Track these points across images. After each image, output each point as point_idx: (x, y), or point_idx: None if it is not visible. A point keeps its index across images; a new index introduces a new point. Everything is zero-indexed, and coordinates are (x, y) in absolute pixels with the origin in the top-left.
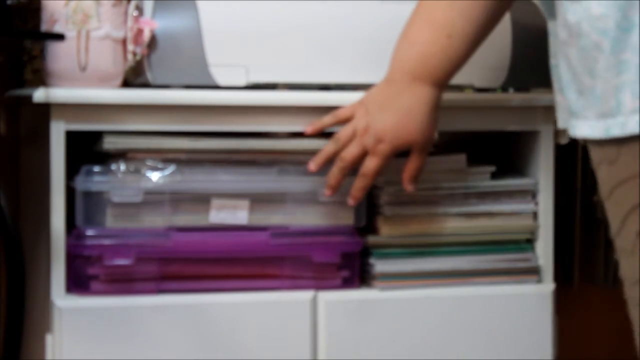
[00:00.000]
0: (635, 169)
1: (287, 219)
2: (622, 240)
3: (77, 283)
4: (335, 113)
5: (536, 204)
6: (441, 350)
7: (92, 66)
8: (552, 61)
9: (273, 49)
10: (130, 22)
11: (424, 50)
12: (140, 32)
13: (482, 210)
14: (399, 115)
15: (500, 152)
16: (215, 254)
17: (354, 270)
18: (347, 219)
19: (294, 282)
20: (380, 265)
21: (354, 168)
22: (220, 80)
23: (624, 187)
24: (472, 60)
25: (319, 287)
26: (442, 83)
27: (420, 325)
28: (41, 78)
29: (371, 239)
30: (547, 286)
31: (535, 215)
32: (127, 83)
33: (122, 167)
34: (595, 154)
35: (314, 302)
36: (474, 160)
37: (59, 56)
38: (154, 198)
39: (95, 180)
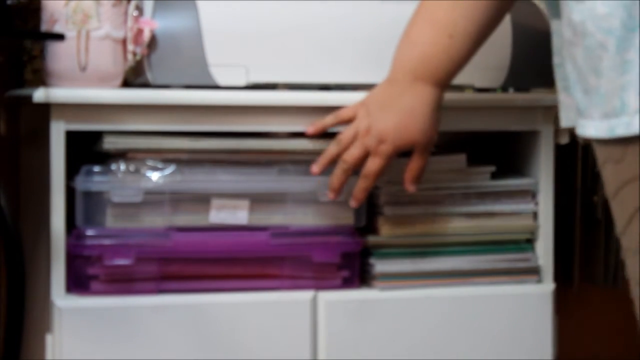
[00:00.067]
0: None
1: (287, 219)
2: (628, 240)
3: (77, 283)
4: (337, 113)
5: (536, 204)
6: (441, 350)
7: (92, 66)
8: (556, 60)
9: (273, 49)
10: (130, 22)
11: (425, 51)
12: (140, 32)
13: (482, 210)
14: (400, 116)
15: (500, 152)
16: (215, 254)
17: (354, 270)
18: (347, 219)
19: (294, 282)
20: (380, 265)
21: (356, 169)
22: (220, 80)
23: (629, 187)
24: (472, 61)
25: (319, 287)
26: (444, 83)
27: (420, 325)
28: (41, 78)
29: (371, 239)
30: (547, 286)
31: (535, 215)
32: (127, 83)
33: (122, 167)
34: (600, 154)
35: (314, 302)
36: (474, 160)
37: (59, 56)
38: (154, 198)
39: (95, 180)
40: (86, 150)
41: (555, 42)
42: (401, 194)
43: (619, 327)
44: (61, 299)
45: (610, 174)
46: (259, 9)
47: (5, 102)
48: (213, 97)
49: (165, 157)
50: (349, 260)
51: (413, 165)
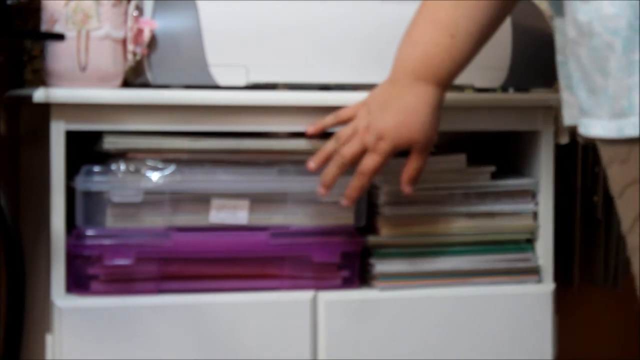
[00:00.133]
0: None
1: (287, 219)
2: (634, 239)
3: (77, 283)
4: (337, 113)
5: (536, 204)
6: (441, 350)
7: (92, 66)
8: (559, 57)
9: (273, 49)
10: (130, 22)
11: (427, 50)
12: (140, 32)
13: (482, 210)
14: (401, 115)
15: (500, 152)
16: (215, 254)
17: (354, 270)
18: (347, 219)
19: (294, 282)
20: (380, 265)
21: (351, 166)
22: (220, 80)
23: (635, 187)
24: (472, 61)
25: (319, 287)
26: (446, 83)
27: (420, 325)
28: (41, 78)
29: (371, 239)
30: (547, 286)
31: (535, 215)
32: (127, 83)
33: (122, 167)
34: (605, 153)
35: (314, 302)
36: (474, 160)
37: (59, 56)
38: (154, 198)
39: (95, 180)
40: (86, 150)
41: (559, 40)
42: (401, 194)
43: (619, 327)
44: (61, 299)
45: (616, 174)
46: (259, 9)
47: (5, 102)
48: (213, 97)
49: (165, 157)
50: (349, 260)
51: (410, 166)
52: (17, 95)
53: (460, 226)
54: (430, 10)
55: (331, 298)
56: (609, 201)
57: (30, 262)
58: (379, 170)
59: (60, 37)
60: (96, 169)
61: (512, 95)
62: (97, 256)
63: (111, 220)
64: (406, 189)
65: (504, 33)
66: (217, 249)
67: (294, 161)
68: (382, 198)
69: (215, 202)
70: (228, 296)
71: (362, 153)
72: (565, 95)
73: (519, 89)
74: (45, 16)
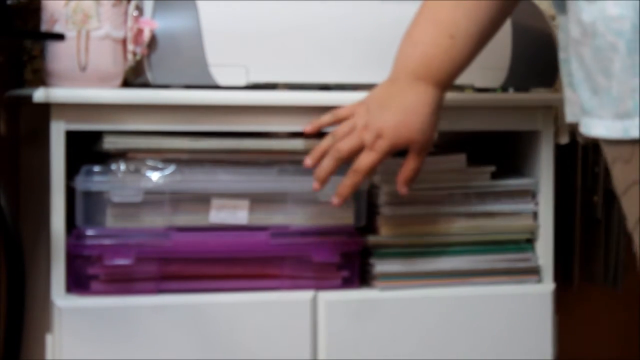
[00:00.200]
0: None
1: (287, 219)
2: (638, 238)
3: (77, 283)
4: (335, 112)
5: (536, 204)
6: (441, 350)
7: (92, 66)
8: (561, 55)
9: (273, 49)
10: (130, 22)
11: (426, 51)
12: (140, 32)
13: (482, 210)
14: (400, 114)
15: (500, 152)
16: (215, 254)
17: (354, 270)
18: (347, 219)
19: (294, 282)
20: (380, 265)
21: (347, 162)
22: (220, 80)
23: (636, 188)
24: None
25: (319, 287)
26: (445, 84)
27: (420, 325)
28: (41, 78)
29: (371, 239)
30: (547, 286)
31: (535, 215)
32: (127, 83)
33: (122, 167)
34: (609, 152)
35: (314, 302)
36: (474, 160)
37: (59, 56)
38: (154, 198)
39: (95, 180)
40: (86, 150)
41: (561, 38)
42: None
43: (619, 327)
44: (61, 299)
45: (620, 173)
46: (259, 9)
47: (5, 102)
48: (213, 97)
49: (165, 157)
50: (349, 260)
51: (408, 166)
52: (17, 95)
53: (460, 226)
54: (431, 11)
55: (331, 298)
56: (609, 201)
57: (30, 262)
58: (374, 169)
59: (60, 37)
60: (96, 169)
61: (512, 95)
62: (97, 256)
63: (111, 220)
64: (402, 189)
65: (504, 33)
66: (217, 249)
67: (294, 161)
68: (382, 198)
69: (215, 202)
70: (228, 296)
71: (359, 150)
72: (567, 93)
73: (519, 89)
74: (45, 16)
